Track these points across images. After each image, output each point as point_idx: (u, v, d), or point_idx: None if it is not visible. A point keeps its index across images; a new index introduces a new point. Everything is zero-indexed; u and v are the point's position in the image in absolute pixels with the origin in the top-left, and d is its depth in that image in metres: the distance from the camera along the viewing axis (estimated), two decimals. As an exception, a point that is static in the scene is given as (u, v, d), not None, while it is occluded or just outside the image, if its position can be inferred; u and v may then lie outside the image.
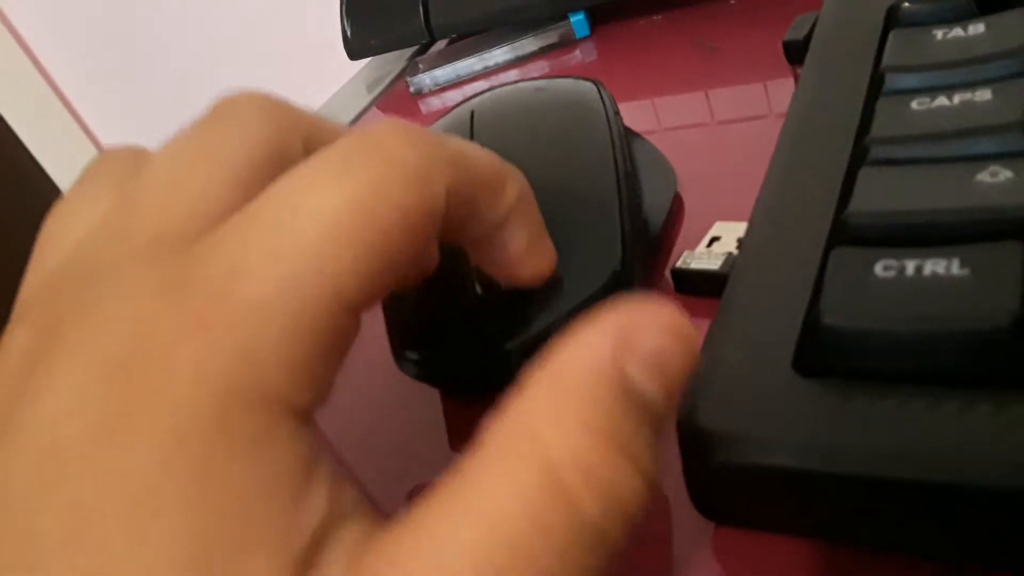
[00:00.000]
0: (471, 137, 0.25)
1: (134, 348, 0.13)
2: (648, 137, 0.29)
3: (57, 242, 0.17)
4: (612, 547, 0.12)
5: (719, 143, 0.30)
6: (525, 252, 0.19)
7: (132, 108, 1.15)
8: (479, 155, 0.17)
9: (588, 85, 0.26)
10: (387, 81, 0.51)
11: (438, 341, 0.22)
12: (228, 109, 0.17)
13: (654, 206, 0.25)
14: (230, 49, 0.96)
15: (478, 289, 0.21)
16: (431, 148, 0.15)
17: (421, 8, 0.48)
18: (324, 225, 0.13)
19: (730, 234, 0.23)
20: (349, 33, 0.51)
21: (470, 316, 0.21)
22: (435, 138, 0.15)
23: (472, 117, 0.26)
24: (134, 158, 0.18)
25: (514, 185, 0.18)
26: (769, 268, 0.17)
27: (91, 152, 1.27)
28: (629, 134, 0.27)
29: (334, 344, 0.14)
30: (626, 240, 0.22)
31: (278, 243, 0.13)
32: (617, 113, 0.25)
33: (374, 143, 0.15)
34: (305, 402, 0.13)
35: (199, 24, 0.98)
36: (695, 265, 0.22)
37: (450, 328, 0.22)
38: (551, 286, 0.21)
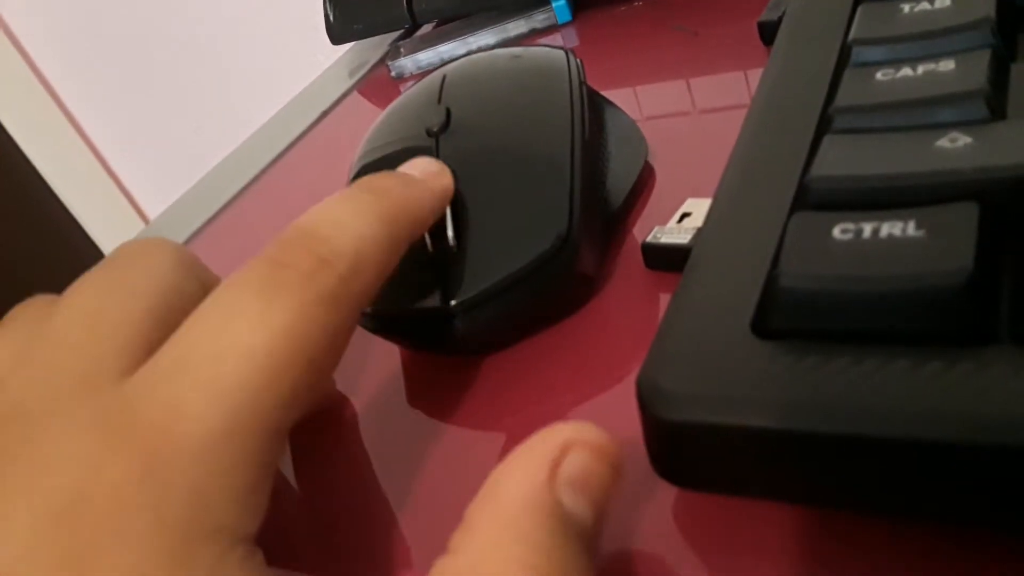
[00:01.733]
0: (439, 100, 0.25)
1: (82, 491, 0.13)
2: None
3: None
4: None
5: (696, 124, 0.30)
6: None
7: (119, 100, 1.15)
8: (376, 246, 0.17)
9: (558, 53, 0.27)
10: (369, 66, 0.51)
11: (391, 297, 0.23)
12: (134, 249, 0.18)
13: (620, 174, 0.26)
14: (216, 39, 0.96)
15: (429, 248, 0.22)
16: (338, 268, 0.16)
17: (405, -9, 0.48)
18: (258, 361, 0.14)
19: (701, 210, 0.23)
20: (332, 18, 0.51)
21: (421, 274, 0.22)
22: (338, 252, 0.16)
23: (443, 80, 0.26)
24: (47, 306, 0.18)
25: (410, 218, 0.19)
26: (733, 234, 0.17)
27: (77, 142, 1.26)
28: (602, 103, 0.27)
29: (271, 467, 0.15)
30: (574, 206, 0.22)
31: (215, 382, 0.14)
32: (583, 82, 0.26)
33: (287, 268, 0.15)
34: (250, 530, 0.14)
35: (187, 13, 0.98)
36: (665, 240, 0.22)
37: (402, 285, 0.22)
38: (498, 248, 0.22)
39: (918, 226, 0.14)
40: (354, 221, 0.17)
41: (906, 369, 0.13)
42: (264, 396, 0.14)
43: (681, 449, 0.15)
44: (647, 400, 0.15)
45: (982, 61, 0.17)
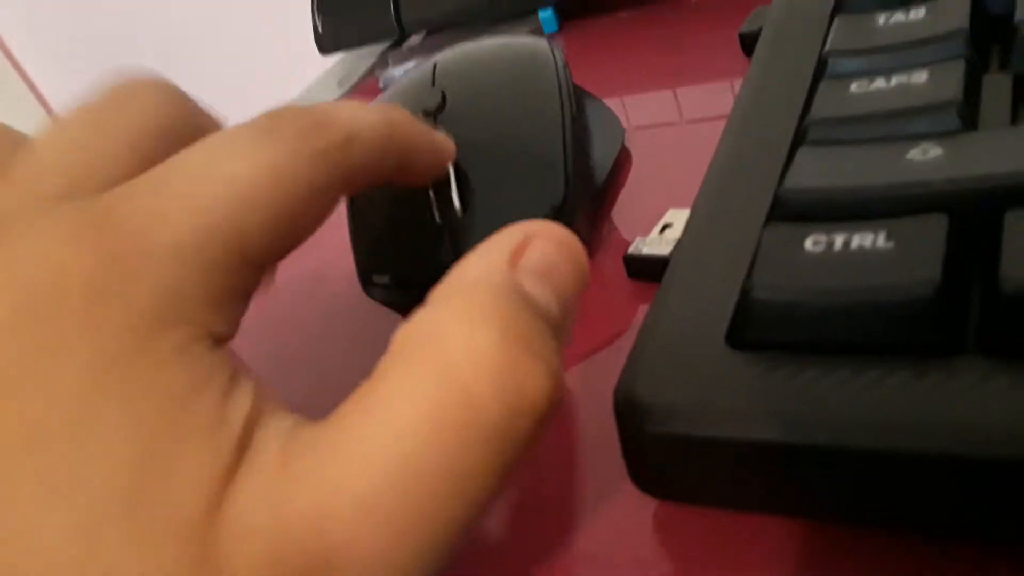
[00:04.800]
0: (432, 84, 0.27)
1: (55, 281, 0.13)
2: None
3: None
4: (521, 442, 0.12)
5: (679, 134, 0.30)
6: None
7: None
8: (371, 132, 0.17)
9: (541, 41, 0.28)
10: (358, 76, 0.51)
11: (402, 266, 0.24)
12: (125, 87, 0.17)
13: (601, 154, 0.28)
14: (204, 49, 0.96)
15: (436, 218, 0.23)
16: (330, 135, 0.16)
17: (392, 3, 0.48)
18: (239, 187, 0.14)
19: (681, 220, 0.23)
20: (320, 28, 0.51)
21: (430, 244, 0.23)
22: (334, 123, 0.16)
23: (435, 67, 0.27)
24: (19, 137, 0.17)
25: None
26: (710, 246, 0.17)
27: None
28: (580, 90, 0.29)
29: (241, 291, 0.15)
30: (568, 176, 0.24)
31: (195, 198, 0.14)
32: (566, 66, 0.27)
33: (284, 122, 0.16)
34: (221, 331, 0.14)
35: (173, 23, 0.98)
36: (646, 251, 0.23)
37: (409, 254, 0.24)
38: (502, 216, 0.22)
39: (888, 238, 0.14)
40: (355, 109, 0.18)
41: (876, 380, 0.13)
42: (240, 220, 0.14)
43: (657, 460, 0.15)
44: (623, 411, 0.15)
45: (955, 72, 0.17)
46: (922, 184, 0.15)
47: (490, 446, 0.12)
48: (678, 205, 0.24)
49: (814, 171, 0.16)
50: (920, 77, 0.17)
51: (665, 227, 0.24)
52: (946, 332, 0.13)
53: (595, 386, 0.20)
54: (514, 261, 0.14)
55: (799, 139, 0.18)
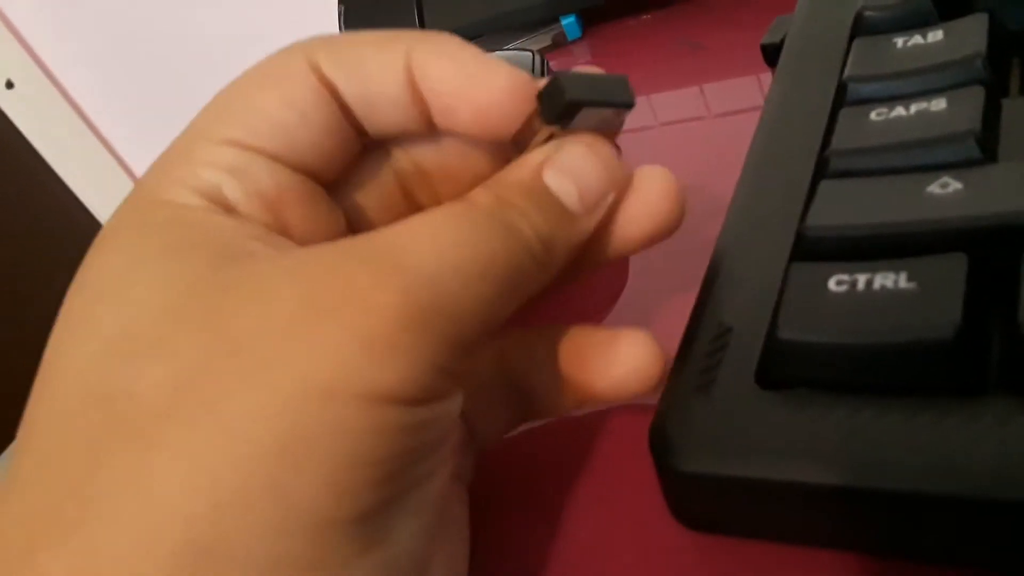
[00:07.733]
0: None
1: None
2: (644, 132, 0.32)
3: None
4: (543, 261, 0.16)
5: (709, 128, 0.31)
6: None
7: (140, 111, 1.17)
8: None
9: (525, 54, 0.31)
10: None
11: None
12: None
13: None
14: (232, 53, 0.97)
15: None
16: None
17: (416, 14, 0.48)
18: None
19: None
20: (346, 42, 0.51)
21: None
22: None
23: None
24: None
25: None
26: (736, 282, 0.18)
27: (100, 150, 1.29)
28: None
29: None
30: None
31: None
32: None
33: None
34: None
35: (200, 30, 1.00)
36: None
37: None
38: None
39: (909, 278, 0.14)
40: None
41: (900, 421, 0.13)
42: None
43: (690, 497, 0.16)
44: (657, 451, 0.16)
45: (973, 99, 0.17)
46: (941, 222, 0.15)
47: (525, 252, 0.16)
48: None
49: (836, 207, 0.17)
50: (939, 104, 0.18)
51: None
52: (968, 373, 0.13)
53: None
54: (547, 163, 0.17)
55: (821, 169, 0.19)
